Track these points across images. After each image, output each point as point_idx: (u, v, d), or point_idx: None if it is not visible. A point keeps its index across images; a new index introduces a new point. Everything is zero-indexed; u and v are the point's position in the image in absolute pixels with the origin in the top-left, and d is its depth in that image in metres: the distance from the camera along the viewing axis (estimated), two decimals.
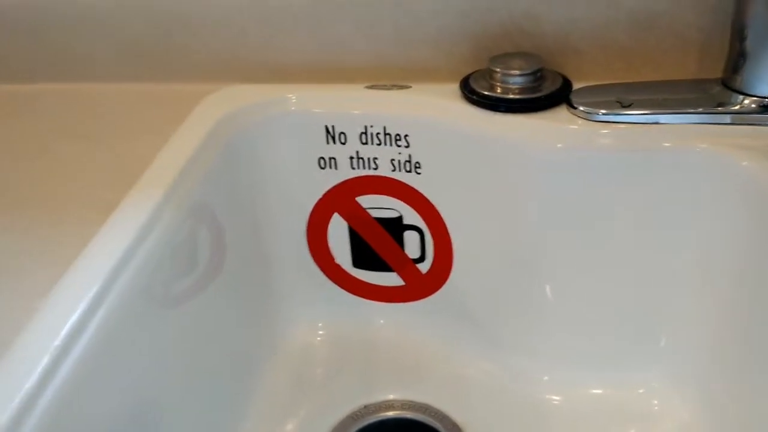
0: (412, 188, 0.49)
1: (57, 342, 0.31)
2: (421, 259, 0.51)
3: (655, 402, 0.46)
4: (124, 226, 0.38)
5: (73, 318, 0.32)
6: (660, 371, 0.47)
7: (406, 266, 0.52)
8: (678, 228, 0.43)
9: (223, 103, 0.49)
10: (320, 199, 0.51)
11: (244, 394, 0.49)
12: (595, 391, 0.49)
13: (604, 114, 0.43)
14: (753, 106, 0.41)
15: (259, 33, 0.50)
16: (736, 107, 0.42)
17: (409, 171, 0.48)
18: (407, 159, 0.48)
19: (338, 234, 0.52)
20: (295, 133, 0.49)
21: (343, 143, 0.49)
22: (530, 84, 0.45)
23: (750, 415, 0.39)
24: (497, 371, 0.51)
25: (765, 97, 0.41)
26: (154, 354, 0.39)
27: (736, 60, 0.42)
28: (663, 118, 0.42)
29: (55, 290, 0.34)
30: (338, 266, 0.53)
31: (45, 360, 0.30)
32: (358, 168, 0.49)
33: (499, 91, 0.45)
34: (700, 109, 0.42)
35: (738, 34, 0.41)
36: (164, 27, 0.51)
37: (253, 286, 0.52)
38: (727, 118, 0.41)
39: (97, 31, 0.52)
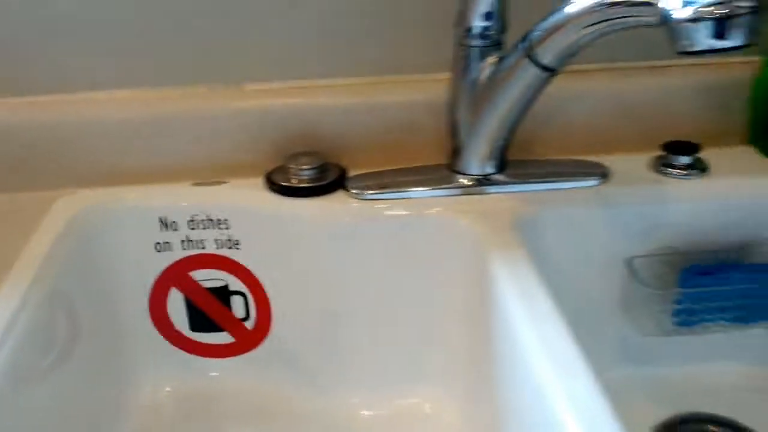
0: (234, 261, 0.62)
1: None
2: (246, 317, 0.64)
3: (429, 405, 0.61)
4: None
5: None
6: (433, 383, 0.62)
7: (234, 325, 0.64)
8: (430, 272, 0.59)
9: (73, 205, 0.59)
10: (159, 277, 0.62)
11: None
12: (392, 402, 0.63)
13: (371, 194, 0.59)
14: (469, 182, 0.59)
15: (104, 144, 0.62)
16: (458, 183, 0.59)
17: (231, 248, 0.61)
18: (228, 238, 0.61)
19: (176, 305, 0.63)
20: (135, 224, 0.60)
21: (175, 230, 0.61)
22: (316, 175, 0.60)
23: (494, 406, 0.54)
24: (319, 400, 0.63)
25: (476, 175, 0.59)
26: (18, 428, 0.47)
27: (454, 151, 0.59)
28: (412, 194, 0.59)
29: None
30: (178, 332, 0.64)
31: None
32: (189, 249, 0.61)
33: (293, 181, 0.60)
34: (436, 186, 0.59)
35: (452, 133, 0.59)
36: (12, 144, 0.62)
37: (105, 357, 0.61)
38: (453, 191, 0.59)
39: None
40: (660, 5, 0.42)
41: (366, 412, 0.62)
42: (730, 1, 0.41)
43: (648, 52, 0.64)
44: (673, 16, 0.41)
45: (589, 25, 0.47)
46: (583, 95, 0.64)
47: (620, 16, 0.45)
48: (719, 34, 0.41)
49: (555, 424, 0.39)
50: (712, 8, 0.41)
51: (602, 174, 0.60)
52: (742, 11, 0.41)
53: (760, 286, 0.57)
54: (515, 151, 0.62)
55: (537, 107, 0.62)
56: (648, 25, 0.44)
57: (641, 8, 0.44)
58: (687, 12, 0.41)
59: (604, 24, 0.46)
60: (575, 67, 0.64)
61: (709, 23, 0.41)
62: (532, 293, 0.48)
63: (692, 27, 0.41)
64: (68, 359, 0.55)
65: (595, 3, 0.46)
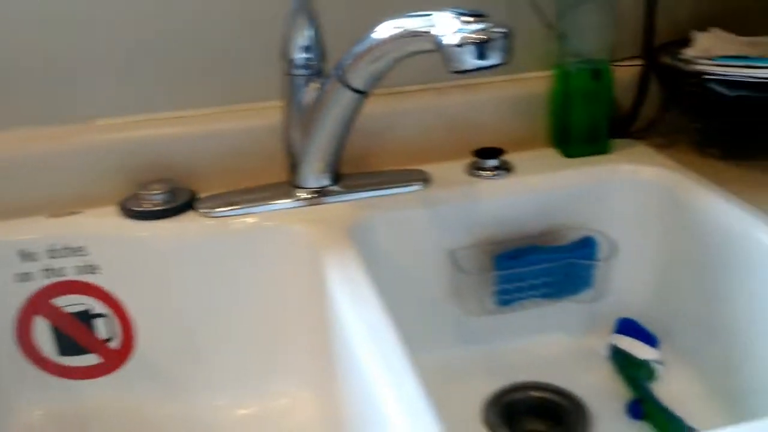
0: (94, 285, 0.66)
1: None
2: (111, 338, 0.68)
3: (288, 400, 0.67)
4: None
5: None
6: (290, 379, 0.68)
7: (100, 346, 0.68)
8: (276, 277, 0.65)
9: None
10: (22, 307, 0.65)
11: None
12: (255, 401, 0.68)
13: (218, 212, 0.65)
14: (307, 195, 0.66)
15: None
16: (298, 196, 0.66)
17: (90, 273, 0.65)
18: (87, 264, 0.65)
19: (42, 332, 0.66)
20: None
21: (35, 260, 0.64)
22: (167, 199, 0.65)
23: (340, 392, 0.61)
24: (187, 407, 0.68)
25: (313, 188, 0.66)
26: None
27: (292, 168, 0.66)
28: (256, 209, 0.65)
29: None
30: (46, 358, 0.67)
31: None
32: (50, 277, 0.65)
33: (146, 206, 0.65)
34: (278, 200, 0.66)
35: (288, 153, 0.66)
36: None
37: None
38: (293, 204, 0.66)
39: None
40: (433, 33, 0.51)
41: (232, 413, 0.67)
42: (487, 29, 0.50)
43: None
44: (444, 43, 0.50)
45: (384, 53, 0.55)
46: (408, 113, 0.73)
47: (405, 44, 0.53)
48: (481, 56, 0.50)
49: (375, 403, 0.46)
50: (474, 34, 0.50)
51: (424, 180, 0.69)
52: (497, 36, 0.50)
53: (559, 265, 0.67)
54: (350, 164, 0.70)
55: (368, 125, 0.71)
56: (428, 51, 0.52)
57: (420, 37, 0.52)
58: (455, 39, 0.50)
59: (395, 51, 0.54)
60: (400, 88, 0.73)
61: (472, 47, 0.50)
62: (358, 286, 0.55)
63: (459, 50, 0.50)
64: None
65: (388, 35, 0.54)
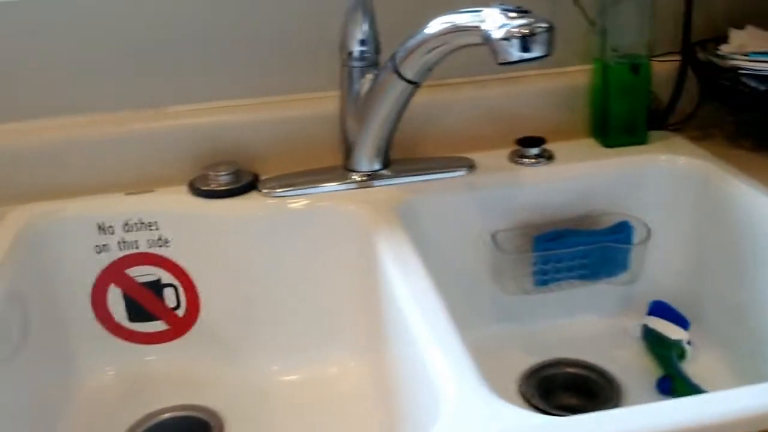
0: (164, 257, 0.72)
1: None
2: (178, 306, 0.74)
3: (337, 368, 0.72)
4: None
5: None
6: (340, 348, 0.73)
7: (167, 314, 0.74)
8: (330, 252, 0.70)
9: (22, 217, 0.69)
10: (99, 276, 0.72)
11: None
12: (306, 367, 0.73)
13: (278, 192, 0.70)
14: (360, 178, 0.71)
15: (47, 164, 0.72)
16: (351, 179, 0.71)
17: (161, 246, 0.71)
18: (158, 238, 0.71)
19: (115, 299, 0.73)
20: (77, 231, 0.70)
21: (112, 233, 0.71)
22: (233, 180, 0.71)
23: (388, 361, 0.66)
24: (243, 371, 0.73)
25: (365, 172, 0.71)
26: None
27: (346, 153, 0.71)
28: (313, 190, 0.70)
29: None
30: (118, 324, 0.74)
31: None
32: (125, 249, 0.71)
33: (213, 186, 0.71)
34: (333, 183, 0.71)
35: (343, 138, 0.71)
36: None
37: (54, 347, 0.70)
38: (347, 186, 0.71)
39: None
40: (483, 28, 0.56)
41: (284, 378, 0.73)
42: (531, 24, 0.54)
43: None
44: (492, 36, 0.55)
45: (436, 46, 0.60)
46: (453, 104, 0.77)
47: (455, 38, 0.58)
48: (525, 48, 0.54)
49: (424, 365, 0.50)
50: (519, 29, 0.54)
51: (469, 166, 0.73)
52: (540, 30, 0.54)
53: (596, 248, 0.71)
54: (399, 151, 0.75)
55: (416, 115, 0.76)
56: (476, 44, 0.57)
57: (470, 31, 0.57)
58: (501, 32, 0.54)
59: (446, 45, 0.59)
60: (445, 81, 0.78)
61: (517, 41, 0.54)
62: (408, 261, 0.60)
63: (506, 44, 0.54)
64: (22, 351, 0.64)
65: (440, 28, 0.59)
